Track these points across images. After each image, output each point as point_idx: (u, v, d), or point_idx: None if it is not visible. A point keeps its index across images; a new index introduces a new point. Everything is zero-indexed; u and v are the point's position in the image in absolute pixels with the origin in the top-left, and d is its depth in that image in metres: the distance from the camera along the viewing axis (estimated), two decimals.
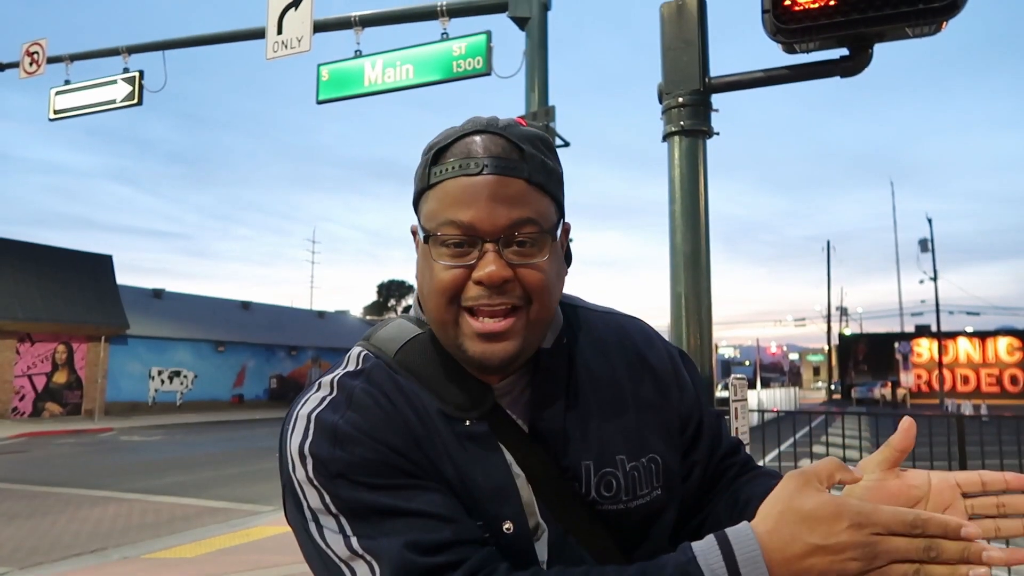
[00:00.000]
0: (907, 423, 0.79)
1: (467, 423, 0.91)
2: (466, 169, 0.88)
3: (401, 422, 0.89)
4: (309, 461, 0.85)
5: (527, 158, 0.89)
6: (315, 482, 0.85)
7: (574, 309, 1.07)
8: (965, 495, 0.79)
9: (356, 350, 1.00)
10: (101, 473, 12.17)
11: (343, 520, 0.84)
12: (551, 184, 0.93)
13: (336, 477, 0.84)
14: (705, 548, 0.75)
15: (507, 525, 0.89)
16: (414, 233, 0.96)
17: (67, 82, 10.83)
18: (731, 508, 1.01)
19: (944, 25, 2.43)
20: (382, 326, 1.02)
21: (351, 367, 0.96)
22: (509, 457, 0.92)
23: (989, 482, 0.77)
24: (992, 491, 0.76)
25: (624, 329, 1.08)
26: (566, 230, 1.00)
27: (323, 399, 0.91)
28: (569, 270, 1.02)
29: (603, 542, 0.94)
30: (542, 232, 0.89)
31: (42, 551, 6.76)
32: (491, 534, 0.88)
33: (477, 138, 0.90)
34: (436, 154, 0.91)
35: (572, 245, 1.07)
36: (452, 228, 0.87)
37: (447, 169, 0.89)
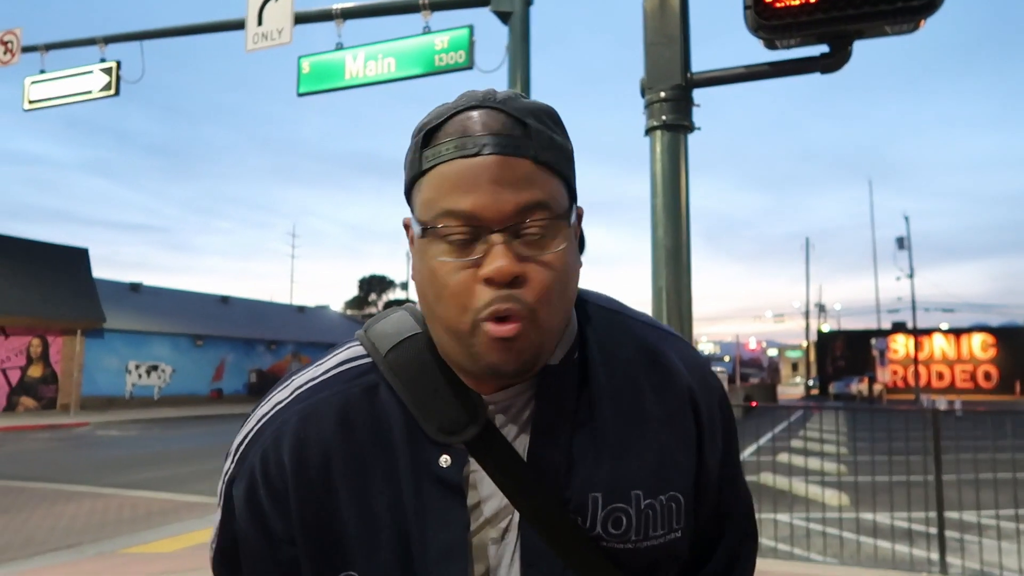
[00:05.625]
0: None
1: (443, 463, 0.81)
2: (463, 150, 0.76)
3: (316, 487, 0.83)
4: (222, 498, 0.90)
5: (533, 134, 0.78)
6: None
7: (609, 314, 0.93)
8: None
9: (348, 348, 0.91)
10: (76, 468, 12.04)
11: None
12: (561, 163, 0.80)
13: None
14: None
15: None
16: (407, 227, 0.84)
17: (42, 71, 10.65)
18: None
19: (922, 23, 2.46)
20: (384, 317, 0.92)
21: (319, 374, 0.89)
22: (494, 502, 0.82)
23: None
24: None
25: (661, 348, 0.92)
26: (580, 215, 0.86)
27: (247, 436, 0.89)
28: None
29: None
30: (555, 218, 0.77)
31: (16, 547, 6.67)
32: None
33: (474, 114, 0.78)
34: (427, 135, 0.79)
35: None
36: (451, 219, 0.75)
37: (441, 151, 0.77)
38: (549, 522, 0.81)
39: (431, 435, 0.81)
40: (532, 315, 0.76)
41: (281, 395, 0.89)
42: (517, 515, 0.82)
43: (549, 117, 0.82)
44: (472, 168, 0.75)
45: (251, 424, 0.89)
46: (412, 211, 0.82)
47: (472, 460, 0.82)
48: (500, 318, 0.75)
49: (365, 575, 0.81)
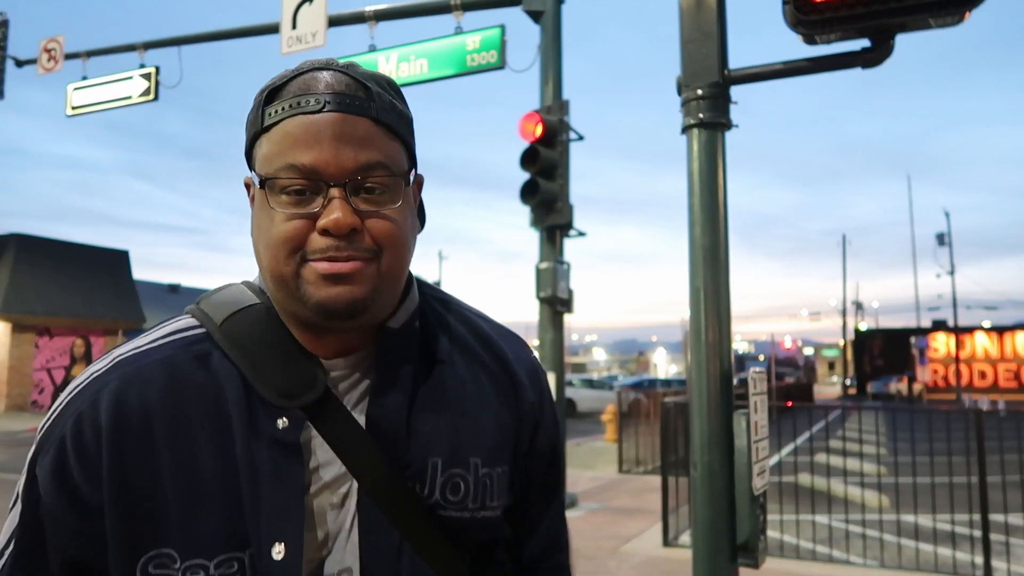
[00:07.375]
0: None
1: (279, 425, 0.80)
2: (305, 107, 0.77)
3: (132, 448, 0.78)
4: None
5: (374, 96, 0.81)
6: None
7: (443, 303, 0.98)
8: None
9: (177, 321, 0.89)
10: None
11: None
12: (401, 127, 0.84)
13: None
14: None
15: (277, 549, 0.77)
16: (248, 186, 0.86)
17: (84, 78, 10.91)
18: None
19: (967, 15, 2.40)
20: (218, 291, 0.90)
21: (144, 344, 0.85)
22: (332, 468, 0.82)
23: None
24: None
25: (493, 336, 0.98)
26: (419, 183, 0.91)
27: (57, 409, 0.81)
28: (424, 230, 0.93)
29: (446, 553, 0.84)
30: (393, 177, 0.80)
31: None
32: (256, 558, 0.77)
33: (317, 74, 0.80)
34: (271, 94, 0.81)
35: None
36: (292, 172, 0.77)
37: (284, 108, 0.79)
38: (386, 490, 0.81)
39: (270, 400, 0.80)
40: (374, 256, 0.79)
41: (99, 365, 0.84)
42: (355, 483, 0.82)
43: (390, 85, 0.85)
44: (315, 124, 0.77)
45: (62, 398, 0.83)
46: (252, 169, 0.83)
47: (311, 426, 0.82)
48: (334, 260, 0.77)
49: (183, 549, 0.76)
